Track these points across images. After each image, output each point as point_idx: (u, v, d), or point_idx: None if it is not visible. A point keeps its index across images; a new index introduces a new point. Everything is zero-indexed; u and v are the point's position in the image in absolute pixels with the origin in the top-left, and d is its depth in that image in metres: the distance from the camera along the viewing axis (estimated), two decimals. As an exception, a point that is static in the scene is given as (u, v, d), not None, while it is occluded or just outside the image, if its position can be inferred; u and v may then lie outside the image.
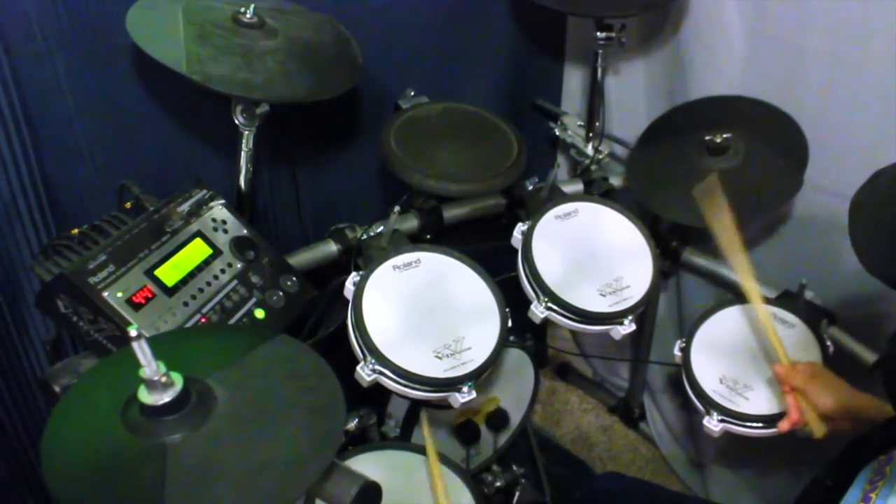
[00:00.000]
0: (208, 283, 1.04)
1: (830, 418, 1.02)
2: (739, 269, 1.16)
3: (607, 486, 1.26)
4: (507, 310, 1.09)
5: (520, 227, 1.17)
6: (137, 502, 0.64)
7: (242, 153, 1.20)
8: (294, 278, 1.12)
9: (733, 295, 1.41)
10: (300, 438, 0.69)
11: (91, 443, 0.68)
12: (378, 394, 1.12)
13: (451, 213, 1.41)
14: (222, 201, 1.12)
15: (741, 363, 1.17)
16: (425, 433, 1.14)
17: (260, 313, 1.06)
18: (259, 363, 0.77)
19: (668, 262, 1.56)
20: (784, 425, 1.06)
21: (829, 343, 1.18)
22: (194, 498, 0.63)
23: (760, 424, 1.11)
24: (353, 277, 1.06)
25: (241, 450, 0.67)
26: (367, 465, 1.11)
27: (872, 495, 0.77)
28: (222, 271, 1.06)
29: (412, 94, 1.42)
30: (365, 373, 0.98)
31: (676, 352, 1.21)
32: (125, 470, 0.65)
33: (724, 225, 1.16)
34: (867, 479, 0.80)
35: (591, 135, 1.62)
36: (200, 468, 0.65)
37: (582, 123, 1.66)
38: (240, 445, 0.67)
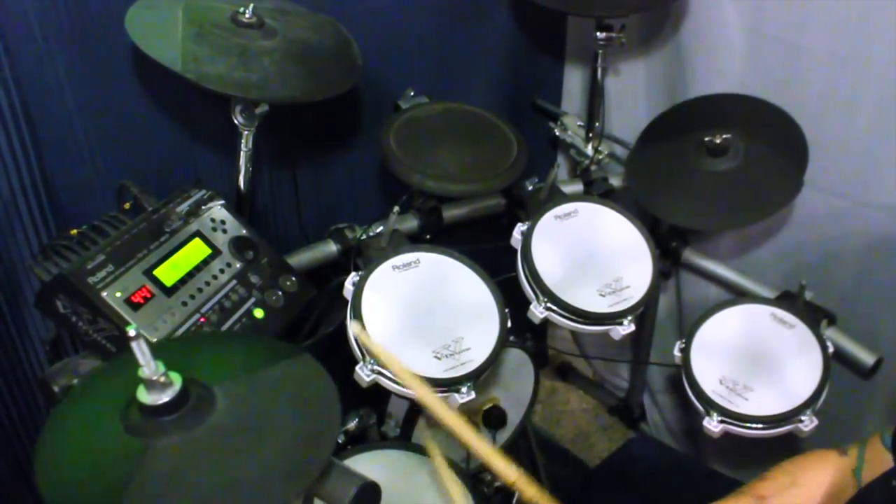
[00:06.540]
0: (207, 283, 1.03)
1: None
2: None
3: (640, 453, 1.24)
4: (507, 310, 1.08)
5: (519, 228, 1.17)
6: (97, 499, 0.63)
7: (242, 153, 1.20)
8: (293, 278, 1.12)
9: (733, 295, 1.41)
10: (277, 464, 0.66)
11: (87, 437, 0.68)
12: (378, 394, 1.11)
13: (450, 213, 1.41)
14: (221, 201, 1.12)
15: (741, 364, 1.17)
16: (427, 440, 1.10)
17: (259, 313, 1.06)
18: (271, 381, 0.75)
19: (668, 262, 1.56)
20: None
21: (828, 344, 1.18)
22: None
23: (760, 425, 1.10)
24: (353, 277, 1.06)
25: (216, 465, 0.65)
26: (366, 465, 1.10)
27: None
28: (221, 271, 1.06)
29: (412, 94, 1.42)
30: (364, 373, 0.98)
31: (676, 352, 1.21)
32: (104, 465, 0.64)
33: None
34: None
35: (590, 135, 1.62)
36: (168, 478, 0.63)
37: (582, 123, 1.66)
38: (217, 460, 0.65)
